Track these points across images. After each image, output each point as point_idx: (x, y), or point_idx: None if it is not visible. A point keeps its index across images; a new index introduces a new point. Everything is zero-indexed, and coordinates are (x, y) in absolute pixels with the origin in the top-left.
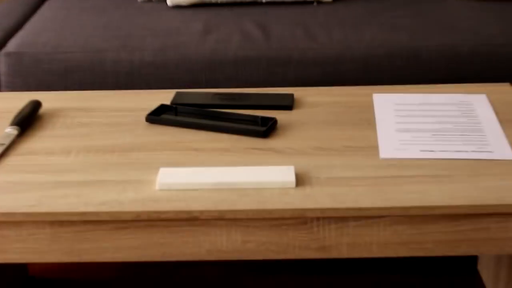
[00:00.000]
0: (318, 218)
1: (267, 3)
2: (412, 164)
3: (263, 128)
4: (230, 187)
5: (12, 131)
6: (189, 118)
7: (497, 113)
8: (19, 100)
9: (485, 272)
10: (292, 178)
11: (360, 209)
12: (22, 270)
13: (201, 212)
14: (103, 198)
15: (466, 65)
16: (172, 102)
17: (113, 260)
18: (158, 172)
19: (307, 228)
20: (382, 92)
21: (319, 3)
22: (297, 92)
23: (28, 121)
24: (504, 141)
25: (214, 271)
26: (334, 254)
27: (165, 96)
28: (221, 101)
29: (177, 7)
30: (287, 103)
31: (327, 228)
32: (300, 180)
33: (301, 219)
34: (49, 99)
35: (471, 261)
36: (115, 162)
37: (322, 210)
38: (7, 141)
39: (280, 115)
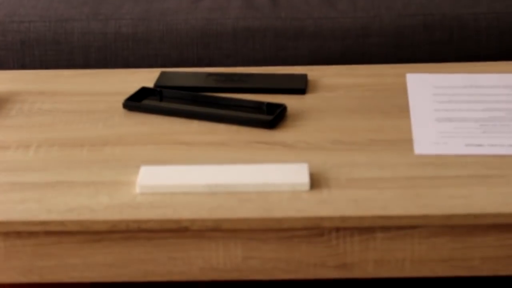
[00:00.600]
0: (337, 229)
1: None
2: (455, 161)
3: (270, 117)
4: (228, 190)
5: None
6: (177, 104)
7: None
8: None
9: None
10: (305, 179)
11: (389, 217)
12: None
13: (192, 221)
14: (70, 203)
15: None
16: (155, 84)
17: (83, 280)
18: (138, 171)
19: (324, 241)
20: (418, 72)
21: None
22: (312, 71)
23: None
24: None
25: None
26: (357, 273)
27: (147, 77)
28: (217, 83)
29: None
30: (299, 86)
31: (349, 241)
32: (316, 182)
33: (316, 230)
34: (2, 80)
35: None
36: (85, 158)
37: (343, 218)
38: None
39: (290, 101)
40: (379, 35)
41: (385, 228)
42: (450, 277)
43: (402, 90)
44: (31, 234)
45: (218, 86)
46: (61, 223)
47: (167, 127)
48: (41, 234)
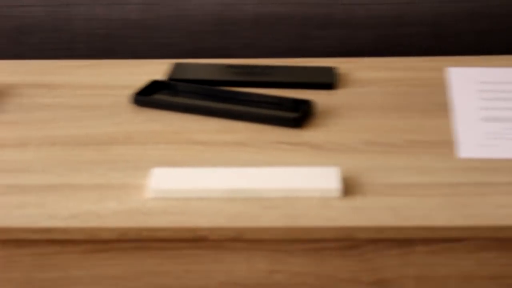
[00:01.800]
0: (373, 241)
1: None
2: (504, 166)
3: (295, 115)
4: (250, 196)
5: None
6: (192, 99)
7: None
8: None
9: None
10: (336, 185)
11: (432, 228)
12: None
13: (211, 230)
14: (74, 209)
15: None
16: (168, 77)
17: None
18: (150, 173)
19: (357, 254)
20: (461, 66)
21: None
22: (342, 64)
23: None
24: None
25: None
26: None
27: (159, 69)
28: (236, 76)
29: None
30: (328, 80)
31: (386, 255)
32: (348, 187)
33: (349, 242)
34: None
35: None
36: (90, 159)
37: (379, 229)
38: None
39: (318, 97)
40: (417, 23)
41: (426, 241)
42: None
43: (443, 86)
44: (31, 242)
45: (237, 79)
46: (64, 230)
47: (180, 125)
48: (42, 242)
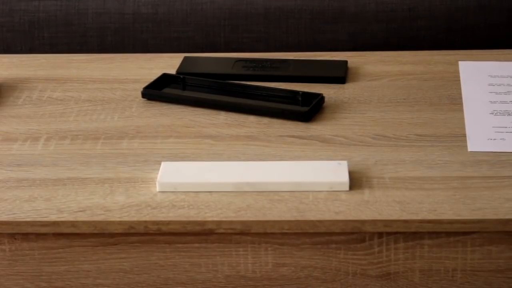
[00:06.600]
0: (380, 234)
1: None
2: None
3: (305, 108)
4: (258, 190)
5: None
6: (202, 93)
7: None
8: None
9: None
10: (344, 178)
11: (439, 222)
12: None
13: (218, 223)
14: (83, 202)
15: None
16: (178, 71)
17: None
18: (158, 167)
19: (365, 248)
20: (472, 59)
21: None
22: (353, 58)
23: None
24: None
25: None
26: (402, 284)
27: (169, 62)
28: (246, 69)
29: None
30: (339, 74)
31: (393, 248)
32: (356, 181)
33: (356, 235)
34: (8, 65)
35: None
36: (99, 153)
37: (386, 222)
38: None
39: (328, 90)
40: (428, 17)
41: (434, 234)
42: None
43: (454, 80)
44: (39, 236)
45: (247, 73)
46: (73, 224)
47: (190, 119)
48: (50, 236)
